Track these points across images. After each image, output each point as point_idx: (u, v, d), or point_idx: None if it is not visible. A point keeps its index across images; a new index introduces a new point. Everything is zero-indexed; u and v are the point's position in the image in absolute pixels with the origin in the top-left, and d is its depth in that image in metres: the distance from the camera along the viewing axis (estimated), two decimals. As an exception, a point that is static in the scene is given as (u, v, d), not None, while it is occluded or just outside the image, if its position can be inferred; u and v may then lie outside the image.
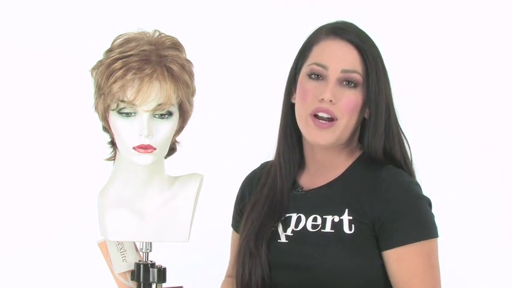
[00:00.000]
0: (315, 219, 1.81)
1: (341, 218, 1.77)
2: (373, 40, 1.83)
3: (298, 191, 1.88)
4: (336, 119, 1.78)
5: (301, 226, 1.83)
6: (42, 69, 2.96)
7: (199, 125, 1.93)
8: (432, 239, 1.76)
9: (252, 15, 3.01)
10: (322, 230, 1.79)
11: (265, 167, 1.97)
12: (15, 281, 2.92)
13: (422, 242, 1.74)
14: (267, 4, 3.01)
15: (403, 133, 1.85)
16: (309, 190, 1.87)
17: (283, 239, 1.85)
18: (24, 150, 2.96)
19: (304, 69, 1.83)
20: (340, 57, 1.78)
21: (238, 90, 2.98)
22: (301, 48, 1.87)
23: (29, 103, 2.96)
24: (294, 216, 1.85)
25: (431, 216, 1.79)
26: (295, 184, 1.90)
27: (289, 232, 1.84)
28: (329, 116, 1.79)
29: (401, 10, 2.97)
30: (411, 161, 1.86)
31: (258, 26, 3.00)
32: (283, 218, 1.87)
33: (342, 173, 1.82)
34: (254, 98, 2.96)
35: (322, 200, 1.82)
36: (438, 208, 1.86)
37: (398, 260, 1.74)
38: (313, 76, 1.81)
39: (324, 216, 1.80)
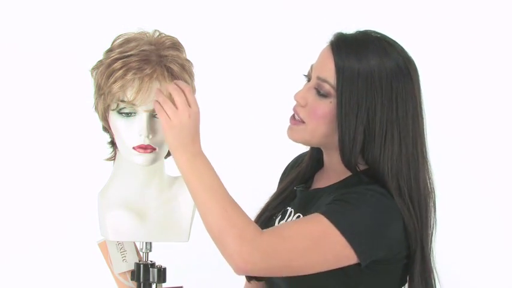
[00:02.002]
0: (297, 218, 1.82)
1: None
2: (387, 58, 1.74)
3: (299, 188, 1.89)
4: (304, 123, 1.79)
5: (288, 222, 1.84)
6: (42, 69, 2.96)
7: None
8: (335, 229, 1.66)
9: (252, 15, 3.01)
10: None
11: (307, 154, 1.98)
12: (16, 281, 2.92)
13: (325, 219, 1.67)
14: (267, 4, 3.01)
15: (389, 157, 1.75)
16: (308, 189, 1.88)
17: None
18: (25, 150, 2.96)
19: None
20: (321, 64, 1.77)
21: (238, 90, 2.98)
22: None
23: (29, 103, 2.96)
24: (289, 210, 1.87)
25: (359, 220, 1.68)
26: (309, 180, 1.91)
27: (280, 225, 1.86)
28: (298, 118, 1.79)
29: (401, 11, 2.98)
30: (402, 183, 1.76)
31: (258, 26, 3.00)
32: (283, 210, 1.89)
33: (339, 181, 1.82)
34: (254, 98, 2.97)
35: (311, 202, 1.82)
36: (438, 207, 1.85)
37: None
38: (307, 78, 1.82)
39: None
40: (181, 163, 1.67)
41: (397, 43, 1.80)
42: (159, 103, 1.66)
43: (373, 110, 1.73)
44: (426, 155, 1.80)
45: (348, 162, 1.76)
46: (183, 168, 1.67)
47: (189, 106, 1.65)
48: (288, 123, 1.83)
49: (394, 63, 1.75)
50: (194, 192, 1.67)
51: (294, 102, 1.83)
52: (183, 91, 1.66)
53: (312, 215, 1.71)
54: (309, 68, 1.82)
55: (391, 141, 1.74)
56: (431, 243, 1.80)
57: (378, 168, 1.74)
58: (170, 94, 1.66)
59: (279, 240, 1.66)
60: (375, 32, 1.80)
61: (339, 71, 1.74)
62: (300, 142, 1.83)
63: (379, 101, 1.73)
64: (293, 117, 1.81)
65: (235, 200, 1.69)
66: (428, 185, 1.79)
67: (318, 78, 1.77)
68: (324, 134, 1.78)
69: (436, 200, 1.81)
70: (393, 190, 1.73)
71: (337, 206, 1.70)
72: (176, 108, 1.65)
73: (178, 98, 1.65)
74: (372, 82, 1.73)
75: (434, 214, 1.81)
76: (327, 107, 1.76)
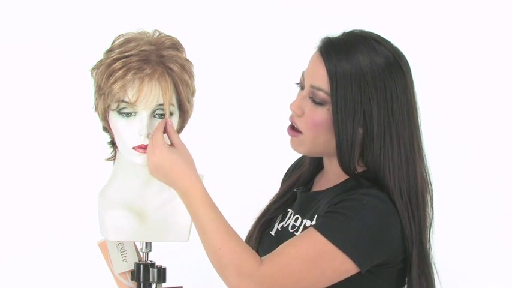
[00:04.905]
0: (296, 220, 1.82)
1: (311, 223, 1.77)
2: (377, 57, 1.73)
3: (299, 190, 1.89)
4: (301, 132, 1.78)
5: (287, 224, 1.84)
6: (43, 69, 2.96)
7: (199, 125, 1.93)
8: (331, 245, 1.66)
9: (252, 15, 3.01)
10: (295, 233, 1.79)
11: None
12: (16, 280, 2.92)
13: (320, 235, 1.66)
14: (267, 4, 3.01)
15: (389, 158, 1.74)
16: (307, 191, 1.88)
17: (273, 232, 1.87)
18: (25, 150, 2.96)
19: None
20: (313, 72, 1.76)
21: (238, 90, 2.98)
22: None
23: (29, 103, 2.96)
24: (289, 212, 1.87)
25: (355, 230, 1.67)
26: (309, 182, 1.91)
27: (279, 227, 1.86)
28: (296, 127, 1.79)
29: (400, 13, 2.98)
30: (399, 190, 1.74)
31: (258, 26, 3.00)
32: (284, 212, 1.89)
33: (338, 184, 1.81)
34: (254, 97, 2.97)
35: (310, 204, 1.82)
36: (437, 206, 1.85)
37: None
38: (299, 86, 1.81)
39: (302, 220, 1.81)
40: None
41: (384, 39, 1.78)
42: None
43: (369, 112, 1.72)
44: (422, 146, 1.79)
45: (346, 168, 1.76)
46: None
47: (154, 150, 1.68)
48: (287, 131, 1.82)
49: (384, 60, 1.73)
50: (195, 228, 1.70)
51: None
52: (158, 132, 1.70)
53: (306, 231, 1.70)
54: (300, 75, 1.81)
55: (390, 141, 1.73)
56: (430, 236, 1.80)
57: (379, 169, 1.74)
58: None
59: (278, 269, 1.66)
60: (360, 30, 1.79)
61: (332, 77, 1.72)
62: (303, 153, 1.83)
63: (375, 103, 1.72)
64: (291, 127, 1.80)
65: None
66: (426, 178, 1.79)
67: (312, 86, 1.75)
68: (325, 142, 1.76)
69: (434, 192, 1.81)
70: (393, 191, 1.73)
71: (331, 219, 1.69)
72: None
73: (149, 141, 1.70)
74: (365, 84, 1.71)
75: (432, 207, 1.81)
76: (324, 114, 1.74)
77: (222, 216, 1.70)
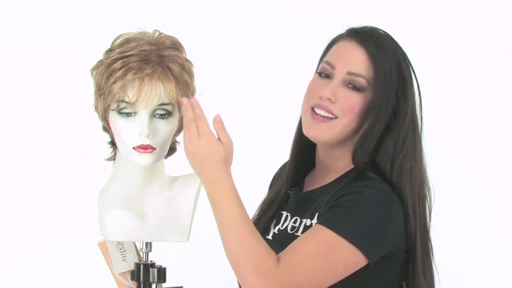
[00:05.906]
0: (295, 221, 1.82)
1: (312, 222, 1.77)
2: (399, 51, 1.80)
3: (293, 191, 1.89)
4: (336, 117, 1.77)
5: (284, 226, 1.84)
6: (43, 69, 2.96)
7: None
8: (340, 238, 1.67)
9: (252, 15, 3.01)
10: (295, 234, 1.79)
11: None
12: (16, 281, 2.92)
13: (328, 230, 1.67)
14: (267, 4, 3.02)
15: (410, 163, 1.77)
16: (303, 192, 1.88)
17: (270, 236, 1.86)
18: (25, 150, 2.97)
19: (318, 67, 1.84)
20: (349, 59, 1.77)
21: (238, 90, 2.98)
22: (324, 49, 1.86)
23: (30, 103, 2.97)
24: (284, 214, 1.86)
25: (361, 222, 1.68)
26: (300, 183, 1.91)
27: (276, 230, 1.86)
28: (327, 114, 1.78)
29: (401, 12, 2.98)
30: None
31: (258, 26, 3.00)
32: (277, 216, 1.89)
33: (335, 179, 1.81)
34: (254, 98, 2.97)
35: (306, 203, 1.82)
36: (438, 207, 1.85)
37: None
38: (322, 74, 1.80)
39: (302, 220, 1.81)
40: (206, 191, 1.69)
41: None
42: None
43: (397, 103, 1.77)
44: (421, 142, 1.83)
45: (361, 158, 1.77)
46: (207, 197, 1.69)
47: (201, 136, 1.64)
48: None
49: (404, 56, 1.80)
50: (216, 220, 1.69)
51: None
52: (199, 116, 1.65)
53: (313, 228, 1.71)
54: (319, 64, 1.81)
55: (403, 133, 1.77)
56: (429, 230, 1.82)
57: (387, 161, 1.76)
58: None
59: (292, 268, 1.66)
60: (372, 26, 1.83)
61: (376, 64, 1.76)
62: (326, 140, 1.80)
63: (401, 94, 1.77)
64: (318, 114, 1.78)
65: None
66: (424, 172, 1.82)
67: (350, 73, 1.76)
68: (352, 129, 1.78)
69: (433, 191, 1.83)
70: (403, 186, 1.75)
71: (335, 213, 1.70)
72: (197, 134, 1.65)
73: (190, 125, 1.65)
74: (400, 75, 1.77)
75: (430, 202, 1.83)
76: (361, 101, 1.76)
77: (247, 214, 1.69)
